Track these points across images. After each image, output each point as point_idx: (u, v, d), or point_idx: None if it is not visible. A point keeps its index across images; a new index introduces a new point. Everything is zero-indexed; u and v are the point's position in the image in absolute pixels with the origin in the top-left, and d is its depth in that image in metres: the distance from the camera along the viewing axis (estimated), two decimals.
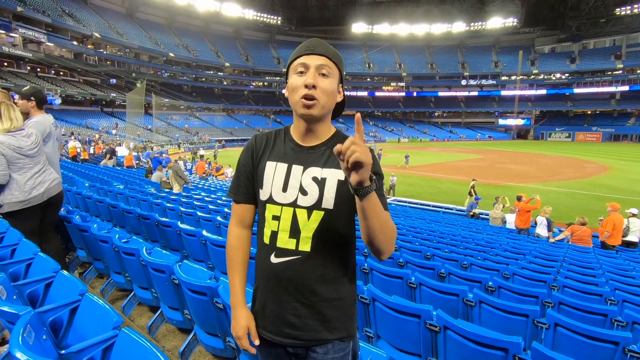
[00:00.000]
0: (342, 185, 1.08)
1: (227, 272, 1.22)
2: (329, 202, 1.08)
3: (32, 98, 3.26)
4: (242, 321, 1.15)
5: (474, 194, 13.61)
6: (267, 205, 1.12)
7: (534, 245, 6.70)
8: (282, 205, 1.10)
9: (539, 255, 5.50)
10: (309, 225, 1.08)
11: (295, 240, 1.08)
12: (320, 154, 1.12)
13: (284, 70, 1.19)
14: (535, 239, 8.01)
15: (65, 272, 1.92)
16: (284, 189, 1.10)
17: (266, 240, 1.12)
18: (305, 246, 1.08)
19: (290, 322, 1.10)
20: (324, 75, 1.06)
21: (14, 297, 1.55)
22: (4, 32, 29.89)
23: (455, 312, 2.61)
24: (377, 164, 1.09)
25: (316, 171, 1.10)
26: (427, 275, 3.03)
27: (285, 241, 1.09)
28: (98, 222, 3.48)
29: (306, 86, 1.04)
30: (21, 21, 30.70)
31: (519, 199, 8.88)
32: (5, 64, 32.35)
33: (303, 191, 1.09)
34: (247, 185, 1.18)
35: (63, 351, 1.32)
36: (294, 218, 1.08)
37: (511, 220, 9.68)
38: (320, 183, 1.09)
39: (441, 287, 2.66)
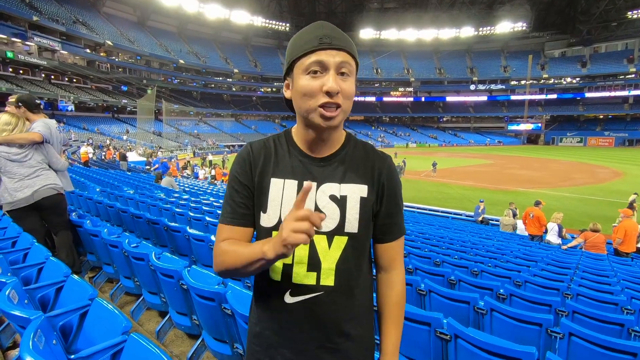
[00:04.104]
0: (365, 203, 0.91)
1: (235, 269, 0.87)
2: (352, 224, 0.90)
3: (19, 104, 3.38)
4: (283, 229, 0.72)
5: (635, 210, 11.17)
6: (275, 233, 0.89)
7: (546, 252, 6.57)
8: None
9: (551, 262, 5.39)
10: (331, 255, 0.90)
11: (315, 273, 0.89)
12: (335, 166, 0.93)
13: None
14: (547, 245, 7.86)
15: (75, 277, 1.93)
16: None
17: (276, 276, 0.91)
18: (328, 280, 0.90)
19: None
20: (343, 74, 0.85)
21: (25, 301, 1.57)
22: (20, 40, 30.73)
23: (465, 320, 2.56)
24: (398, 184, 0.99)
25: (333, 188, 0.91)
26: (436, 282, 2.99)
27: (302, 276, 0.90)
28: (108, 227, 3.52)
29: (328, 93, 0.82)
30: (37, 30, 31.56)
31: (537, 204, 8.67)
32: (21, 71, 33.25)
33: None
34: (248, 204, 0.94)
35: (73, 356, 1.32)
36: (312, 247, 0.89)
37: (522, 227, 9.52)
38: (340, 202, 0.90)
39: (451, 294, 2.62)
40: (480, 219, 11.72)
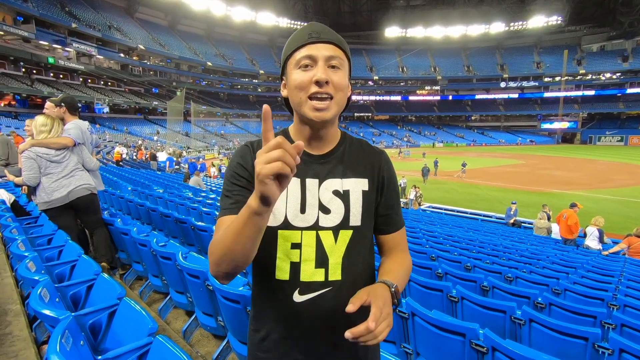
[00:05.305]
0: (367, 196, 0.95)
1: (228, 250, 0.75)
2: (356, 218, 0.93)
3: (62, 104, 3.51)
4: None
5: None
6: (281, 232, 0.90)
7: (586, 257, 6.18)
8: (302, 229, 0.90)
9: (591, 269, 5.06)
10: (337, 249, 0.91)
11: (323, 270, 0.90)
12: (335, 162, 0.95)
13: None
14: (586, 250, 7.42)
15: (105, 275, 1.96)
16: (302, 210, 0.90)
17: (283, 275, 0.90)
18: (336, 274, 0.91)
19: None
20: (334, 67, 0.87)
21: (57, 299, 1.59)
22: (60, 46, 32.47)
23: (501, 331, 2.41)
24: (395, 178, 1.04)
25: (336, 183, 0.93)
26: (468, 288, 2.85)
27: (311, 273, 0.89)
28: (138, 226, 3.60)
29: (317, 83, 0.84)
30: (75, 36, 33.26)
31: (572, 206, 8.23)
32: (61, 76, 35.21)
33: (324, 209, 0.91)
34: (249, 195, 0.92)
35: (100, 357, 1.32)
36: (319, 243, 0.90)
37: (557, 231, 9.05)
38: (344, 197, 0.93)
39: (485, 302, 2.48)
40: (512, 221, 11.24)
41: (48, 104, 3.54)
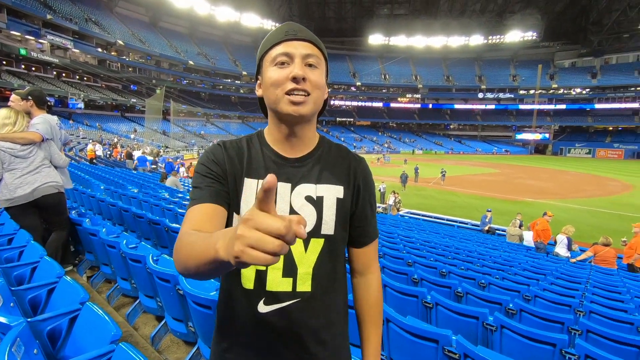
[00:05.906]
0: (341, 204, 0.90)
1: (189, 266, 0.65)
2: (329, 226, 0.87)
3: (29, 97, 3.34)
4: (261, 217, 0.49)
5: None
6: None
7: (555, 265, 6.40)
8: None
9: (560, 276, 5.24)
10: (308, 258, 0.86)
11: (291, 279, 0.85)
12: (310, 166, 0.90)
13: None
14: (555, 258, 7.69)
15: (68, 278, 1.86)
16: None
17: (248, 284, 0.85)
18: (305, 285, 0.86)
19: None
20: (311, 65, 0.84)
21: (11, 304, 1.49)
22: (33, 38, 31.11)
23: (473, 336, 2.45)
24: (373, 187, 0.99)
25: (309, 189, 0.88)
26: (442, 294, 2.88)
27: (277, 282, 0.84)
28: (108, 226, 3.45)
29: (294, 79, 0.81)
30: (50, 28, 31.93)
31: (544, 215, 8.63)
32: (33, 68, 33.70)
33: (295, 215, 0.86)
34: (220, 186, 0.85)
35: None
36: (288, 251, 0.85)
37: (529, 239, 9.35)
38: (317, 203, 0.87)
39: (459, 308, 2.51)
40: (486, 228, 11.53)
41: (14, 96, 3.35)
